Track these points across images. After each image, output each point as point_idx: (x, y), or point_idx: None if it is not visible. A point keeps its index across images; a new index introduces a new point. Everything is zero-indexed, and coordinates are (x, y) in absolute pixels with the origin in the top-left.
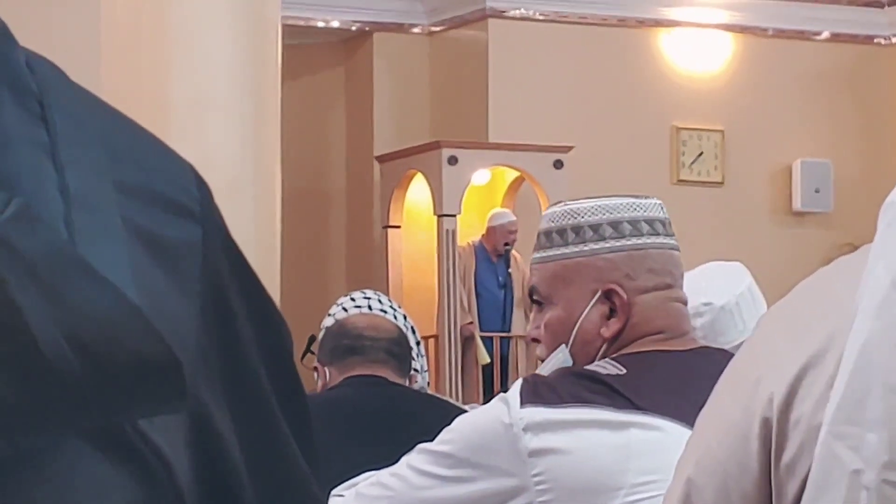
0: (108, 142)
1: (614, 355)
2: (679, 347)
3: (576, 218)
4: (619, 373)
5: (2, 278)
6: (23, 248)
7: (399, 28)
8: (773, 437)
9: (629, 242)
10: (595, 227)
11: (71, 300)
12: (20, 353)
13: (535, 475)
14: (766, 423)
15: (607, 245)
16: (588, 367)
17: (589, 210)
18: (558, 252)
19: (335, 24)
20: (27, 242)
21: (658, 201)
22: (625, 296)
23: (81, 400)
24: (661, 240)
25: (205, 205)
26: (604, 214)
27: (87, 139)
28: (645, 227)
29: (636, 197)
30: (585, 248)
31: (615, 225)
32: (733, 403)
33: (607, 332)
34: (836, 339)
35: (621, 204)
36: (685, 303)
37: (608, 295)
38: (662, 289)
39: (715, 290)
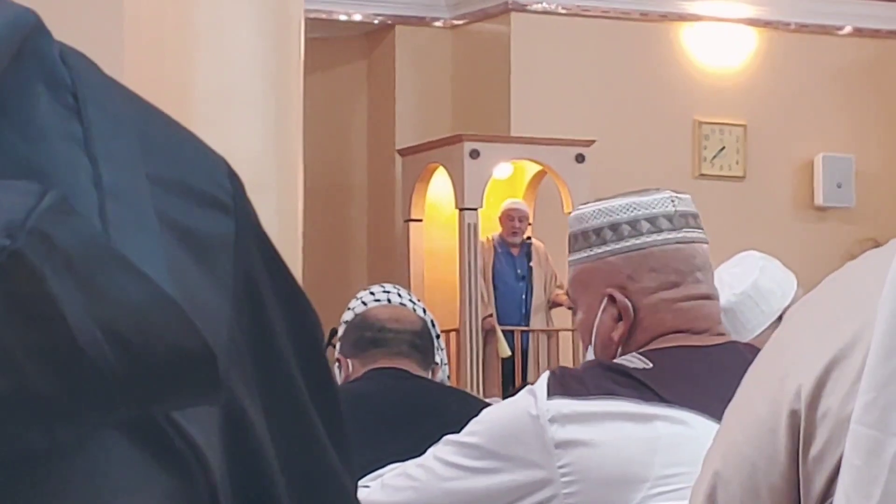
0: (142, 135)
1: (641, 350)
2: (705, 343)
3: (582, 223)
4: (646, 367)
5: (38, 270)
6: (59, 240)
7: (421, 21)
8: (801, 429)
9: (627, 244)
10: (597, 231)
11: (107, 292)
12: (57, 345)
13: (561, 467)
14: (793, 415)
15: (608, 248)
16: (615, 360)
17: (591, 214)
18: (574, 257)
19: (357, 17)
20: (63, 234)
21: (668, 195)
22: (624, 299)
23: (117, 391)
24: (664, 236)
25: (237, 198)
26: (604, 218)
27: (120, 132)
28: (645, 226)
29: (641, 194)
30: (592, 253)
31: (614, 227)
32: (760, 398)
33: (616, 335)
34: (863, 332)
35: (621, 205)
36: (705, 296)
37: (613, 299)
38: (668, 288)
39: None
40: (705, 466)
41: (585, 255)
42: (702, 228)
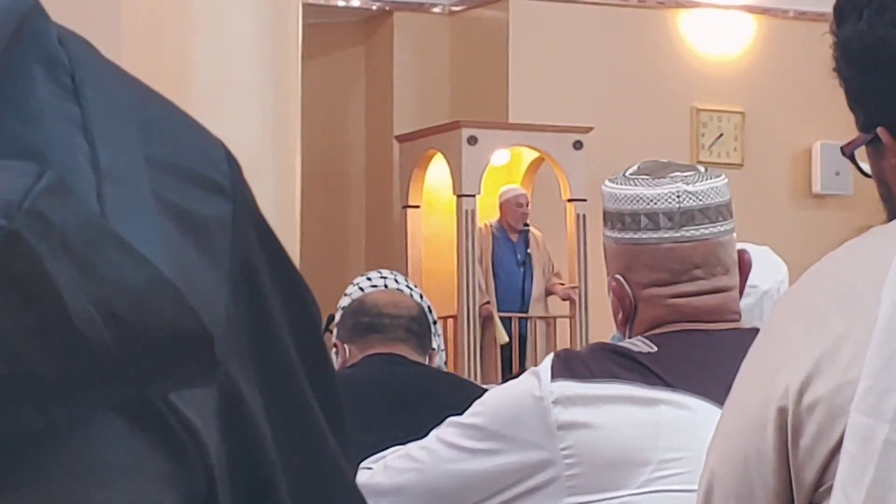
0: (140, 117)
1: (646, 334)
2: (711, 328)
3: (602, 200)
4: (651, 350)
5: (35, 250)
6: (56, 220)
7: (419, 8)
8: (788, 424)
9: (626, 236)
10: (606, 215)
11: (103, 273)
12: (53, 325)
13: (564, 449)
14: (781, 411)
15: (612, 235)
16: (620, 343)
17: (607, 195)
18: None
19: (355, 3)
20: (60, 215)
21: (676, 189)
22: (623, 287)
23: (113, 372)
24: (659, 234)
25: (235, 181)
26: (612, 203)
27: (118, 114)
28: (644, 221)
29: (651, 182)
30: (604, 235)
31: (619, 216)
32: (752, 394)
33: (617, 319)
34: (852, 328)
35: (627, 195)
36: (703, 292)
37: (616, 283)
38: (662, 285)
39: (759, 274)
40: (705, 464)
41: (603, 233)
42: (714, 221)
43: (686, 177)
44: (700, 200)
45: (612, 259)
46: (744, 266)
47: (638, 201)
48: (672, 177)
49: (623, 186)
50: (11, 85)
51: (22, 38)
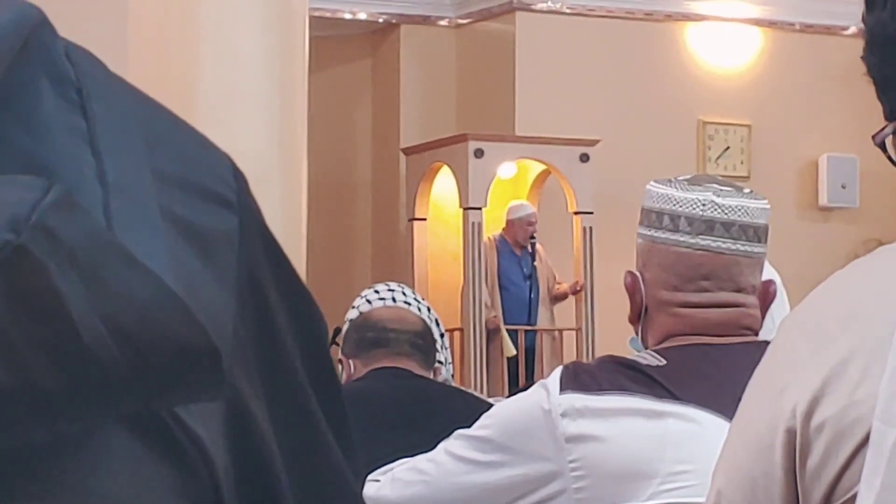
0: (146, 131)
1: (656, 347)
2: (721, 342)
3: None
4: (659, 363)
5: (43, 265)
6: (63, 234)
7: (426, 20)
8: (796, 445)
9: (648, 233)
10: (641, 213)
11: (110, 287)
12: (60, 340)
13: (572, 461)
14: (789, 432)
15: (640, 232)
16: (628, 357)
17: (646, 194)
18: None
19: (362, 16)
20: (67, 229)
21: (704, 198)
22: (636, 282)
23: (120, 386)
24: (676, 237)
25: (241, 194)
26: (647, 201)
27: (125, 128)
28: (665, 221)
29: (686, 186)
30: (637, 233)
31: (648, 213)
32: (759, 413)
33: (629, 316)
34: (859, 347)
35: (660, 194)
36: (711, 305)
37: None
38: (668, 289)
39: None
40: (712, 483)
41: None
42: (735, 238)
43: (721, 190)
44: (726, 214)
45: (638, 255)
46: (766, 296)
47: (666, 201)
48: (707, 186)
49: (661, 186)
50: (18, 99)
51: (29, 53)
